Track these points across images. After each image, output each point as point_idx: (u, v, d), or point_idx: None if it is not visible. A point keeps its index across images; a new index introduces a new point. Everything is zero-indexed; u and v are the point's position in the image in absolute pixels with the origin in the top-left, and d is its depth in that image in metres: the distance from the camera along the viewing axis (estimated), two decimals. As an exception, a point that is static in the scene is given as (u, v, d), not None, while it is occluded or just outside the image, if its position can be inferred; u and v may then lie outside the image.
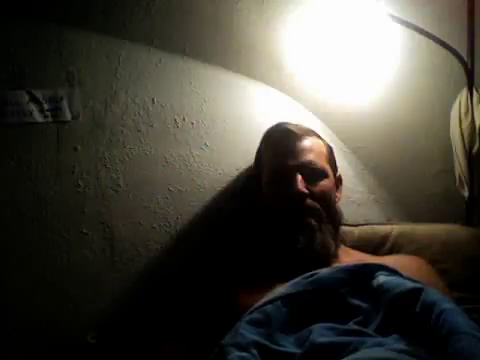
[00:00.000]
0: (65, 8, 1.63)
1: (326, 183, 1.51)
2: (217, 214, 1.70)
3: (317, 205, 1.47)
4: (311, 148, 1.53)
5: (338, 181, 1.60)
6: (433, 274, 1.49)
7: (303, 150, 1.52)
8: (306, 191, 1.46)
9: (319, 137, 1.60)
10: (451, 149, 1.71)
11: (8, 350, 1.56)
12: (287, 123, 1.59)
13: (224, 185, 1.71)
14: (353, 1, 1.64)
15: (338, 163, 1.69)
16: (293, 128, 1.55)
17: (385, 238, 1.63)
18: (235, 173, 1.72)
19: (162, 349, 1.44)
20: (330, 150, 1.60)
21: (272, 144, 1.57)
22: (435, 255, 1.58)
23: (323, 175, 1.51)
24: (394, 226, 1.67)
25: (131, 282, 1.65)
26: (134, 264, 1.66)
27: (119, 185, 1.67)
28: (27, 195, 1.62)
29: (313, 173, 1.50)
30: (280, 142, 1.54)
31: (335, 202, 1.54)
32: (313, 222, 1.46)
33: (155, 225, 1.67)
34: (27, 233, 1.62)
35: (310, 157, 1.51)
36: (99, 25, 1.66)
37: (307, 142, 1.54)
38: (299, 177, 1.47)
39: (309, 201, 1.47)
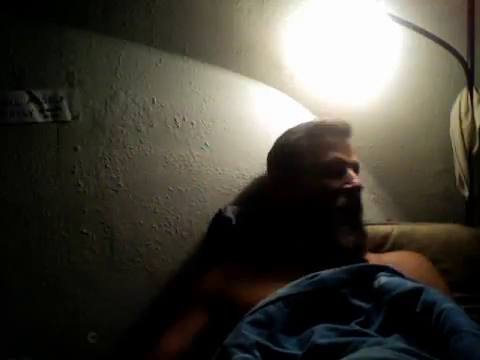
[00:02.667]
0: (65, 8, 1.63)
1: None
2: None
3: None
4: (356, 150, 1.53)
5: None
6: (434, 271, 1.49)
7: (353, 149, 1.51)
8: (362, 186, 1.46)
9: None
10: (451, 149, 1.71)
11: (8, 350, 1.56)
12: (339, 118, 1.56)
13: (225, 185, 1.71)
14: (353, 1, 1.64)
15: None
16: (348, 124, 1.54)
17: (385, 238, 1.63)
18: (235, 173, 1.72)
19: (159, 343, 1.42)
20: None
21: (325, 134, 1.51)
22: (435, 255, 1.57)
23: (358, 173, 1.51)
24: (394, 226, 1.67)
25: (131, 282, 1.65)
26: (134, 264, 1.66)
27: (119, 185, 1.66)
28: (27, 195, 1.62)
29: (356, 170, 1.49)
30: (338, 136, 1.50)
31: None
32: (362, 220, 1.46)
33: (155, 225, 1.67)
34: (27, 233, 1.61)
35: (357, 158, 1.51)
36: (99, 25, 1.65)
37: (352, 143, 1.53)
38: (353, 173, 1.46)
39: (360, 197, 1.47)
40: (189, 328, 1.40)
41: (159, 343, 1.40)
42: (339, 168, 1.46)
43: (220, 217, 1.64)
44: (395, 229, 1.65)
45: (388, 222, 1.75)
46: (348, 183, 1.44)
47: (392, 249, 1.61)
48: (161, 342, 1.40)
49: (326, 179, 1.45)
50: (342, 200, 1.43)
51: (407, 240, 1.62)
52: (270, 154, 1.60)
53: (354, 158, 1.49)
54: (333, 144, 1.49)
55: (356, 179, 1.44)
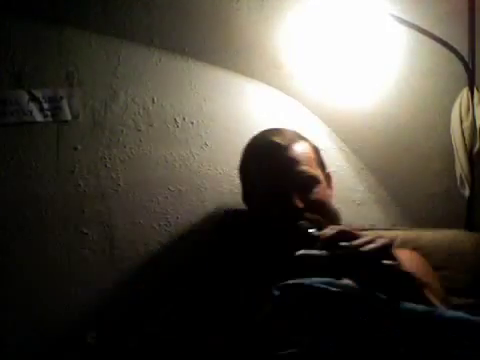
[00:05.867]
0: (65, 8, 1.63)
1: (320, 189, 1.46)
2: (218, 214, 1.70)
3: (316, 216, 1.41)
4: (298, 157, 1.47)
5: (328, 179, 1.53)
6: (426, 264, 1.48)
7: (291, 161, 1.46)
8: (302, 205, 1.41)
9: (303, 139, 1.53)
10: (452, 149, 1.71)
11: (8, 350, 1.57)
12: (269, 133, 1.53)
13: (225, 185, 1.71)
14: (354, 1, 1.64)
15: (338, 163, 1.70)
16: (277, 139, 1.48)
17: None
18: (235, 172, 1.71)
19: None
20: (316, 150, 1.54)
21: (258, 161, 1.51)
22: (439, 262, 1.56)
23: (315, 182, 1.46)
24: (398, 232, 1.65)
25: (131, 282, 1.65)
26: (134, 264, 1.66)
27: (119, 184, 1.67)
28: (27, 195, 1.62)
29: (305, 183, 1.45)
30: (267, 159, 1.47)
31: (330, 203, 1.50)
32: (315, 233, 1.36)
33: (155, 225, 1.67)
34: (27, 233, 1.62)
35: (299, 168, 1.45)
36: (99, 24, 1.66)
37: (294, 151, 1.47)
38: (293, 193, 1.41)
39: (308, 214, 1.40)
40: None
41: None
42: (278, 191, 1.42)
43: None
44: (399, 235, 1.62)
45: (392, 227, 1.73)
46: (286, 206, 1.41)
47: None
48: None
49: (268, 205, 1.44)
50: (288, 222, 1.38)
51: (411, 247, 1.59)
52: None
53: (293, 171, 1.45)
54: (270, 170, 1.46)
55: (294, 201, 1.40)
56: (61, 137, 1.65)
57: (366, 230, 1.65)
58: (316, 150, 1.54)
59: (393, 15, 1.65)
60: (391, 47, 1.73)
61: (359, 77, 1.74)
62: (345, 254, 1.17)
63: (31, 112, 1.64)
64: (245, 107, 1.73)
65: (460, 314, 1.06)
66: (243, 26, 1.71)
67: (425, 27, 1.67)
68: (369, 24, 1.68)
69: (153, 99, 1.69)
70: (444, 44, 1.67)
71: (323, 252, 1.18)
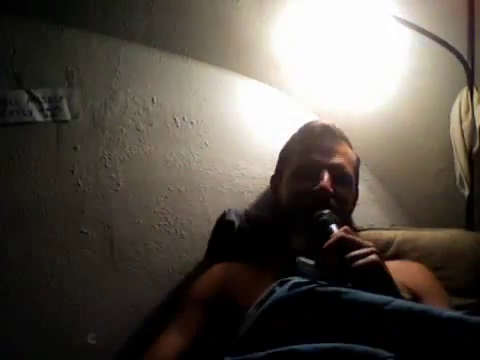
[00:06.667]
0: (65, 8, 1.64)
1: (349, 191, 1.47)
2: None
3: (338, 209, 1.40)
4: (345, 152, 1.49)
5: (355, 193, 1.54)
6: (434, 279, 1.47)
7: (336, 151, 1.47)
8: (331, 190, 1.40)
9: (351, 147, 1.54)
10: (451, 148, 1.71)
11: (8, 350, 1.57)
12: (324, 121, 1.54)
13: (225, 185, 1.71)
14: (354, 1, 1.64)
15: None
16: (332, 126, 1.50)
17: (388, 244, 1.60)
18: (235, 172, 1.72)
19: (158, 343, 1.38)
20: (358, 163, 1.55)
21: (305, 137, 1.51)
22: (439, 262, 1.56)
23: (349, 182, 1.47)
24: (398, 232, 1.65)
25: (131, 281, 1.65)
26: (134, 263, 1.66)
27: (119, 184, 1.67)
28: (27, 195, 1.62)
29: (340, 177, 1.44)
30: (314, 136, 1.48)
31: (350, 210, 1.51)
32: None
33: (155, 224, 1.67)
34: (27, 233, 1.62)
35: (341, 160, 1.46)
36: (99, 25, 1.66)
37: (342, 145, 1.49)
38: (326, 175, 1.41)
39: (332, 201, 1.40)
40: (188, 328, 1.38)
41: (158, 343, 1.37)
42: (313, 169, 1.43)
43: (222, 221, 1.62)
44: (398, 235, 1.63)
45: (391, 227, 1.72)
46: (316, 185, 1.41)
47: (395, 256, 1.58)
48: (160, 342, 1.37)
49: (297, 181, 1.45)
50: (307, 201, 1.40)
51: (410, 247, 1.60)
52: None
53: (335, 160, 1.45)
54: (311, 146, 1.47)
55: (325, 181, 1.40)
56: (61, 137, 1.65)
57: (365, 230, 1.66)
58: (358, 162, 1.55)
59: (393, 15, 1.65)
60: (391, 47, 1.74)
61: (359, 77, 1.74)
62: (339, 267, 1.18)
63: (31, 112, 1.64)
64: (245, 107, 1.73)
65: (459, 314, 1.05)
66: (243, 26, 1.71)
67: (425, 27, 1.67)
68: (369, 24, 1.68)
69: (153, 99, 1.69)
70: (444, 44, 1.67)
71: (315, 271, 1.18)
